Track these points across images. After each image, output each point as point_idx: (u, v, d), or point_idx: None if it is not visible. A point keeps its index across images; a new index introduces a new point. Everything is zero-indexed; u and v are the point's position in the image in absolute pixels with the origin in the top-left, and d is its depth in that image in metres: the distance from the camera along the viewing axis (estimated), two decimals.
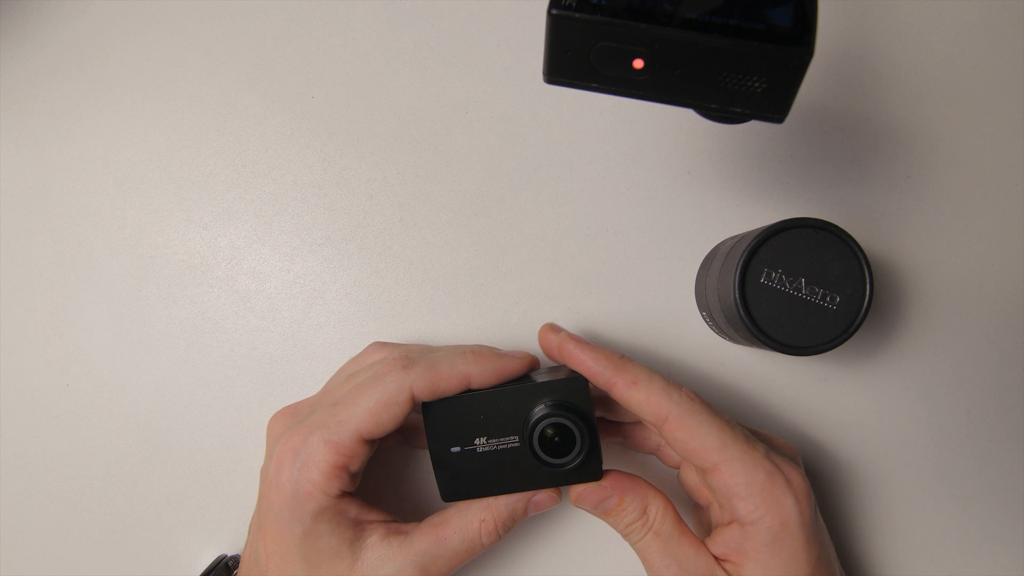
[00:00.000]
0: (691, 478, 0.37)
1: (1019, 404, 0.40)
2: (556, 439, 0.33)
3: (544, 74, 0.27)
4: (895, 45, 0.42)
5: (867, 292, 0.31)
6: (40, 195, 0.44)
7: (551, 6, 0.25)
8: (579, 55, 0.26)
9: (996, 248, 0.41)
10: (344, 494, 0.32)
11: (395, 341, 0.40)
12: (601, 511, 0.34)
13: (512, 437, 0.33)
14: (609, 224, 0.42)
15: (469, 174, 0.42)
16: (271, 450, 0.34)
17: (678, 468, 0.38)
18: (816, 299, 0.31)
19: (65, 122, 0.44)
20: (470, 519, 0.34)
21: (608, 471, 0.34)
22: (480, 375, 0.33)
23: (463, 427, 0.33)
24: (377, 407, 0.32)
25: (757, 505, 0.30)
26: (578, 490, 0.34)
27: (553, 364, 0.38)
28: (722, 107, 0.27)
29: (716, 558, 0.32)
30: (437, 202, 0.42)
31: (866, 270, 0.31)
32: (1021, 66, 0.41)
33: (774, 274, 0.31)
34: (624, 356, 0.33)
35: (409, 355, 0.33)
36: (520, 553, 0.41)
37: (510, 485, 0.34)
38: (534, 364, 0.36)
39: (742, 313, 0.31)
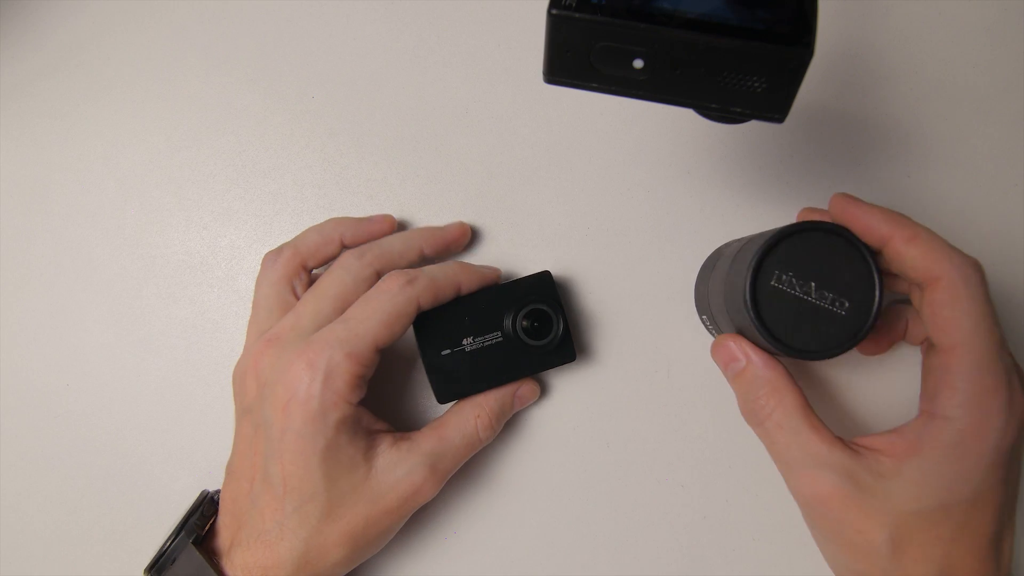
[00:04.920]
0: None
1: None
2: (535, 325, 0.37)
3: (544, 74, 0.27)
4: (895, 45, 0.42)
5: (876, 298, 0.31)
6: (40, 195, 0.44)
7: (551, 6, 0.25)
8: (579, 55, 0.26)
9: (996, 248, 0.41)
10: (359, 403, 0.35)
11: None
12: (730, 372, 0.34)
13: (495, 333, 0.37)
14: (609, 224, 0.42)
15: (469, 174, 0.42)
16: (272, 378, 0.34)
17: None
18: (825, 303, 0.31)
19: (65, 122, 0.44)
20: (466, 417, 0.37)
21: (743, 339, 0.33)
22: (468, 282, 0.37)
23: (451, 331, 0.37)
24: (390, 319, 0.34)
25: (962, 403, 0.28)
26: (716, 343, 0.34)
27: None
28: (722, 107, 0.27)
29: (870, 450, 0.30)
30: (437, 202, 0.42)
31: (876, 276, 0.31)
32: (1021, 66, 0.41)
33: (784, 277, 0.31)
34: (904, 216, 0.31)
35: (407, 273, 0.36)
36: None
37: (497, 378, 0.37)
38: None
39: (752, 316, 0.31)
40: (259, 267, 0.39)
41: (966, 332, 0.28)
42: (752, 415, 0.33)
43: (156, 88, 0.44)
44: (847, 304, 0.31)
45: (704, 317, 0.39)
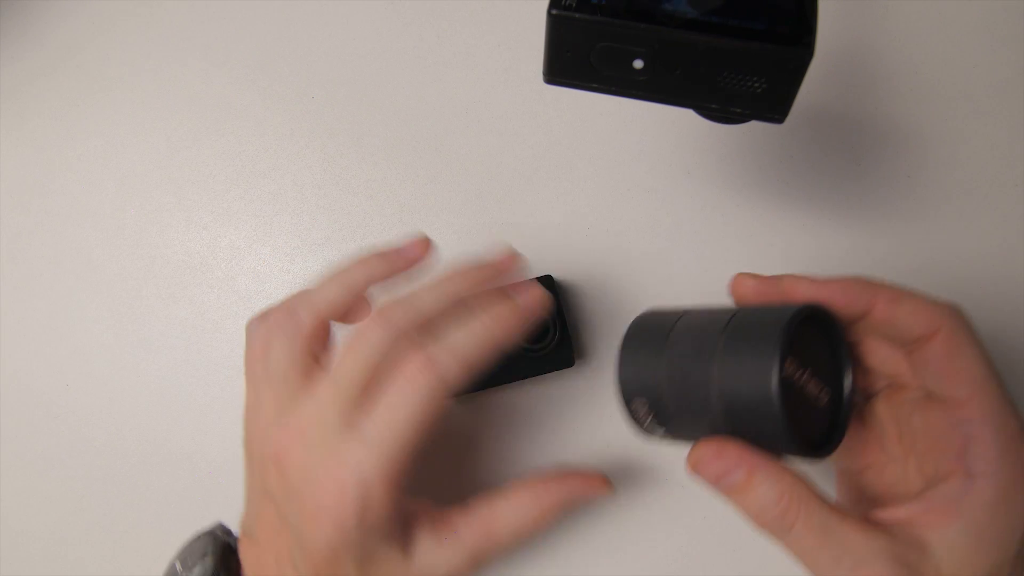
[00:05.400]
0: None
1: (1019, 405, 0.40)
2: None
3: (544, 74, 0.27)
4: (895, 45, 0.42)
5: (848, 386, 0.28)
6: (40, 195, 0.44)
7: (551, 6, 0.25)
8: (579, 55, 0.26)
9: (996, 248, 0.41)
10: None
11: None
12: (725, 488, 0.28)
13: None
14: (609, 224, 0.42)
15: (469, 174, 0.42)
16: (299, 487, 0.30)
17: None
18: (814, 395, 0.27)
19: (65, 122, 0.44)
20: (523, 514, 0.32)
21: (731, 443, 0.28)
22: (508, 333, 0.31)
23: None
24: (421, 426, 0.29)
25: (999, 455, 0.26)
26: (696, 456, 0.28)
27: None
28: (722, 107, 0.27)
29: (897, 524, 0.27)
30: (437, 202, 0.42)
31: (847, 361, 0.28)
32: (1021, 66, 0.41)
33: (792, 366, 0.26)
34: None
35: (423, 353, 0.30)
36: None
37: (492, 378, 0.37)
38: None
39: (781, 416, 0.25)
40: (259, 310, 0.34)
41: (981, 379, 0.27)
42: (773, 526, 0.27)
43: (156, 88, 0.44)
44: (828, 395, 0.28)
45: (640, 400, 0.30)
